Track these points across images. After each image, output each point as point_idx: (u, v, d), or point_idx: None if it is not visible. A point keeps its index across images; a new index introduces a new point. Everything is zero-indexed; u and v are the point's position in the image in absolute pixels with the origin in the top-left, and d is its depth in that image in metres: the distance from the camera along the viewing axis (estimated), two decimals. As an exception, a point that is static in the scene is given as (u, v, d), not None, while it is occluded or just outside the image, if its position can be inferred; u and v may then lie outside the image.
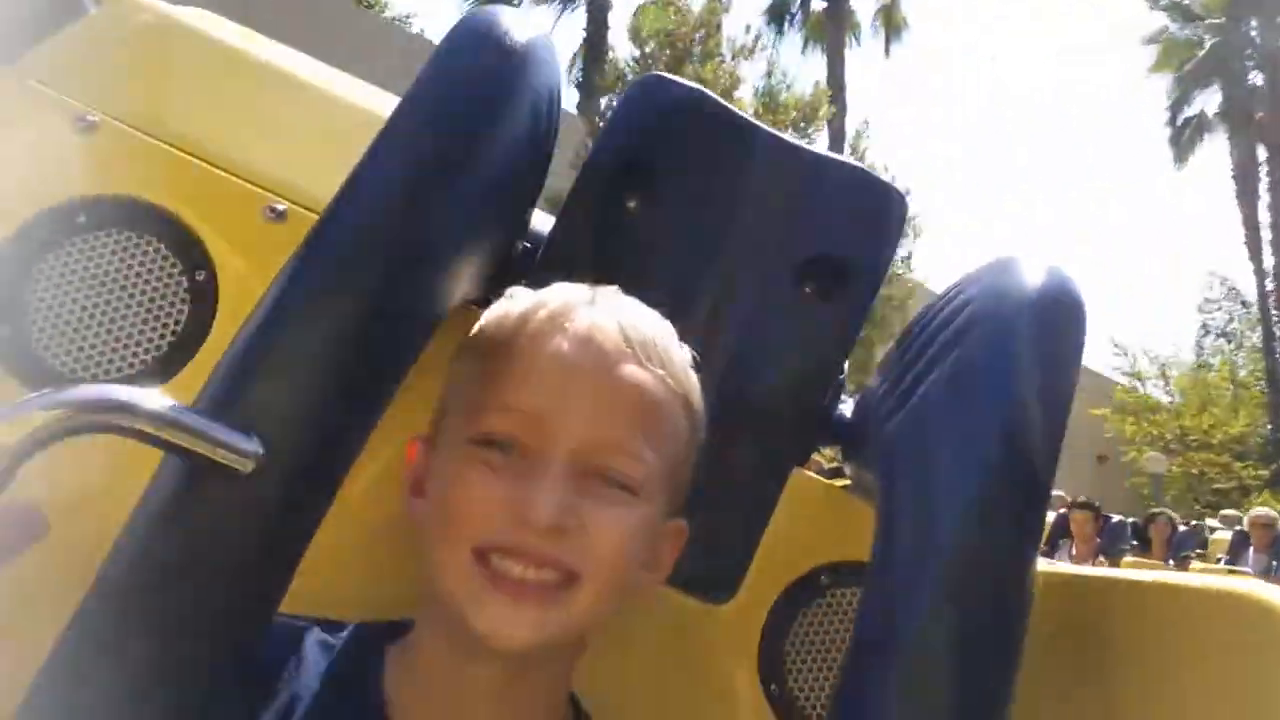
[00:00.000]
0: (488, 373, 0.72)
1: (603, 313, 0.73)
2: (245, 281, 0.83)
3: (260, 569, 0.60)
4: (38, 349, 0.80)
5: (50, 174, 0.84)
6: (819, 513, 0.95)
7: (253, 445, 0.57)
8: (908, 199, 0.91)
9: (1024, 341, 0.73)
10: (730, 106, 0.90)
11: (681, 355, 0.75)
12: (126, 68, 0.91)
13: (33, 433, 0.52)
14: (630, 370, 0.71)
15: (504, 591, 0.66)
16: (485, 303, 0.88)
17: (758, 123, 0.90)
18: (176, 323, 0.82)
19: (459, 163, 0.71)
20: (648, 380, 0.71)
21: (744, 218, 0.88)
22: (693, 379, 0.76)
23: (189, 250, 0.84)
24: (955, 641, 0.65)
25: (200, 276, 0.84)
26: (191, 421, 0.57)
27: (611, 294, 0.75)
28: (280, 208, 0.86)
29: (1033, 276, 0.76)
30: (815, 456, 1.01)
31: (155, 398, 0.57)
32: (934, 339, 0.79)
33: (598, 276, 0.78)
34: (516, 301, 0.74)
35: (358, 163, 0.70)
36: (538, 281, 0.77)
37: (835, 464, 1.00)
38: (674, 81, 0.91)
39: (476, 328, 0.76)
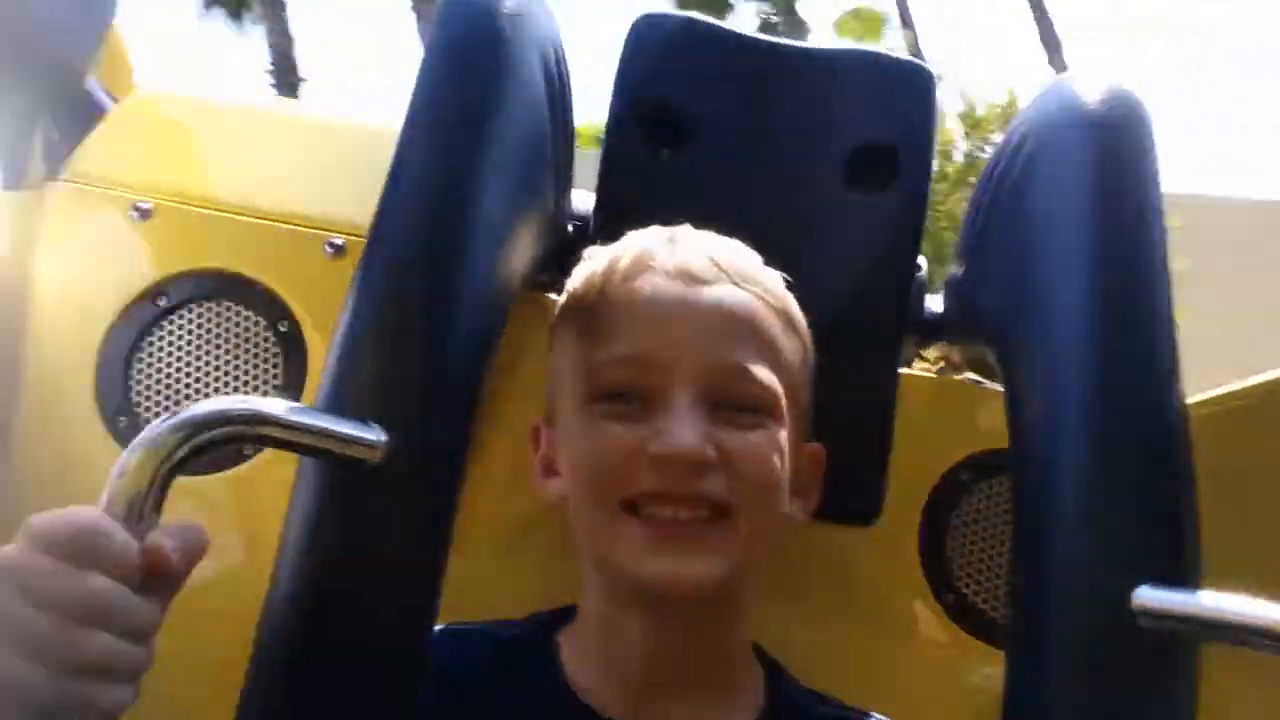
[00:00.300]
0: (587, 332, 0.72)
1: (685, 246, 0.73)
2: (326, 318, 0.85)
3: (410, 562, 0.61)
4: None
5: (122, 266, 0.87)
6: (941, 410, 0.93)
7: (376, 434, 0.58)
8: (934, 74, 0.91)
9: (1090, 178, 0.69)
10: (724, 25, 0.90)
11: (772, 274, 0.75)
12: (161, 150, 0.94)
13: (168, 454, 0.52)
14: (729, 292, 0.71)
15: (663, 536, 0.66)
16: (552, 287, 0.89)
17: (758, 35, 0.90)
18: (274, 374, 0.85)
19: (477, 147, 0.70)
20: (748, 300, 0.71)
21: (777, 133, 0.88)
22: (789, 296, 0.76)
23: (267, 304, 0.86)
24: (1124, 496, 0.61)
25: (284, 327, 0.86)
26: (314, 419, 0.58)
27: (688, 230, 0.76)
28: (338, 242, 0.88)
29: (1084, 100, 0.72)
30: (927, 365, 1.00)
31: (275, 403, 0.58)
32: (999, 198, 0.78)
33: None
34: (596, 259, 0.75)
35: (388, 176, 0.71)
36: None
37: (941, 362, 0.99)
38: (664, 16, 0.91)
39: (564, 296, 0.77)
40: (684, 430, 0.66)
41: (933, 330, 0.90)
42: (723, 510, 0.67)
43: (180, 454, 0.53)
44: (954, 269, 0.86)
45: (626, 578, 0.68)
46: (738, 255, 0.74)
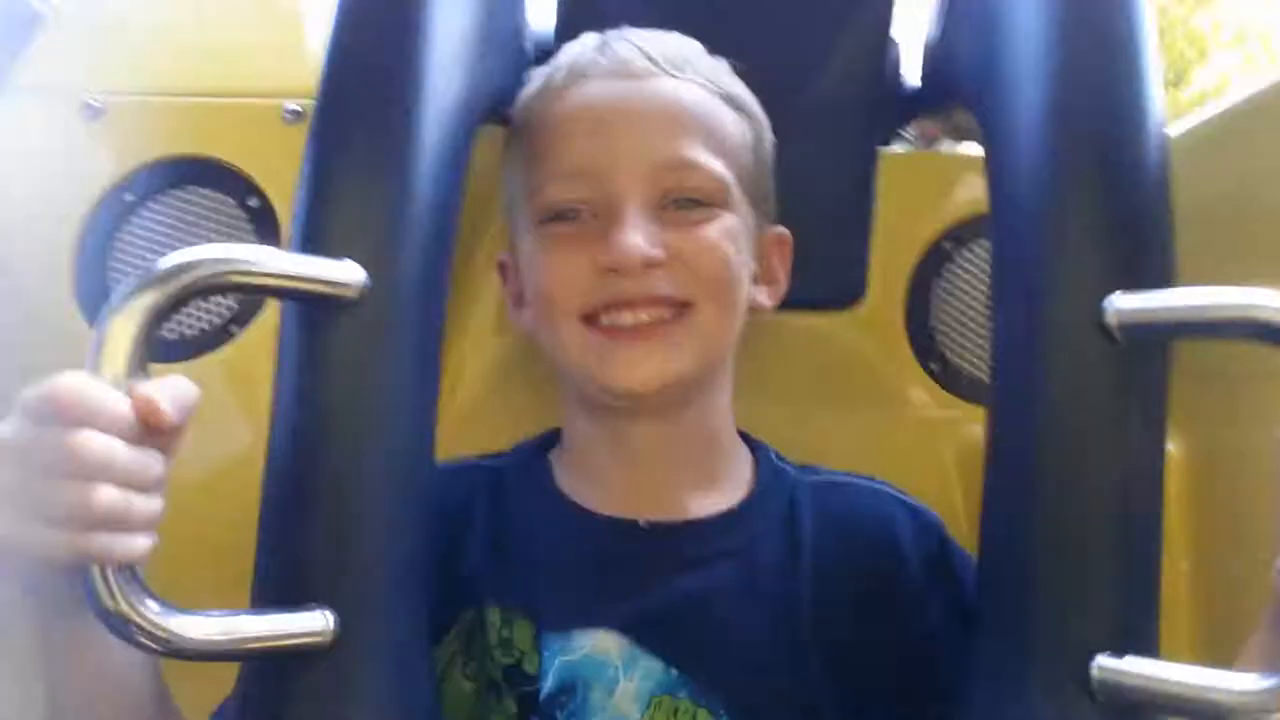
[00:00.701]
0: (531, 155, 0.70)
1: (617, 46, 0.70)
2: (293, 186, 0.82)
3: (404, 395, 0.59)
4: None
5: (83, 168, 0.85)
6: (920, 185, 0.91)
7: (351, 271, 0.56)
8: None
9: None
10: None
11: (713, 61, 0.72)
12: (107, 46, 0.91)
13: (145, 311, 0.49)
14: (664, 84, 0.68)
15: (625, 341, 0.65)
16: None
17: None
18: None
19: None
20: (684, 88, 0.69)
21: None
22: (734, 80, 0.72)
23: (234, 183, 0.84)
24: (1091, 211, 0.57)
25: (254, 202, 0.84)
26: (287, 260, 0.55)
27: (623, 30, 0.72)
28: (294, 107, 0.84)
29: None
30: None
31: (247, 248, 0.55)
32: None
33: None
34: (534, 78, 0.72)
35: (334, 9, 0.67)
36: None
37: (921, 139, 0.95)
38: None
39: (510, 126, 0.74)
40: (629, 236, 0.64)
41: (910, 103, 0.86)
42: (682, 307, 0.66)
43: (156, 309, 0.51)
44: (930, 30, 0.80)
45: (598, 388, 0.67)
46: (672, 44, 0.71)
